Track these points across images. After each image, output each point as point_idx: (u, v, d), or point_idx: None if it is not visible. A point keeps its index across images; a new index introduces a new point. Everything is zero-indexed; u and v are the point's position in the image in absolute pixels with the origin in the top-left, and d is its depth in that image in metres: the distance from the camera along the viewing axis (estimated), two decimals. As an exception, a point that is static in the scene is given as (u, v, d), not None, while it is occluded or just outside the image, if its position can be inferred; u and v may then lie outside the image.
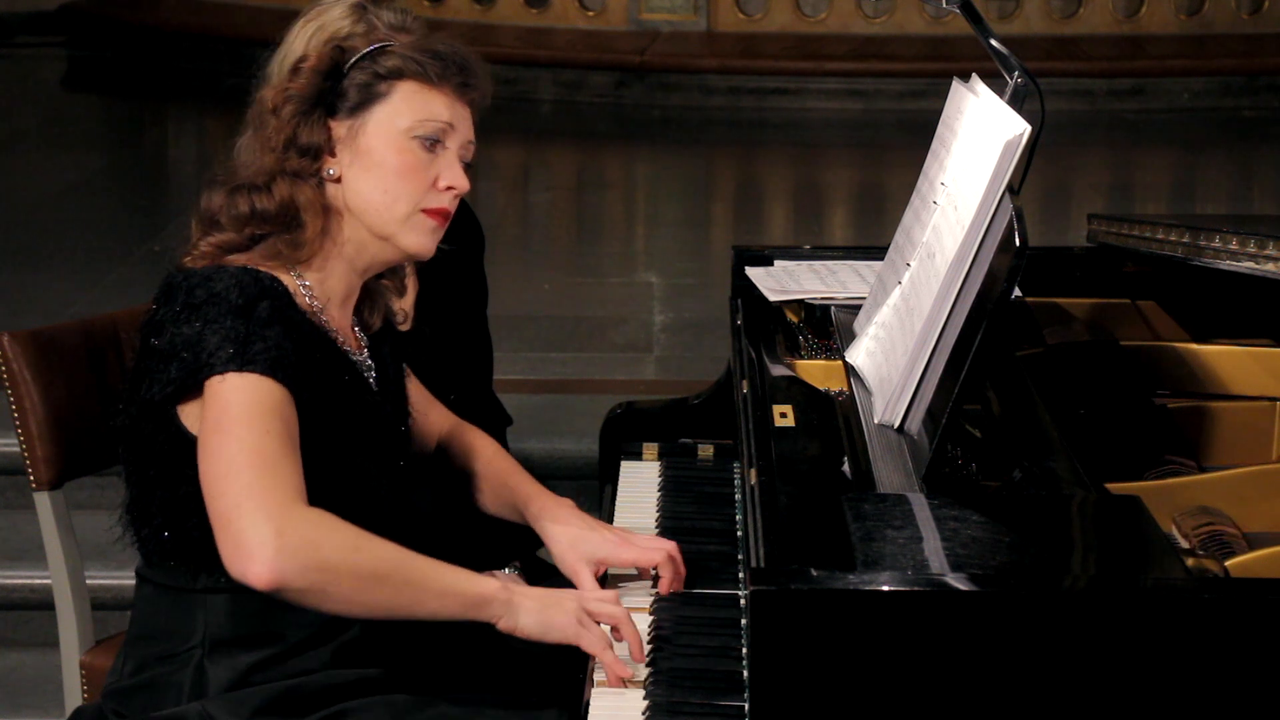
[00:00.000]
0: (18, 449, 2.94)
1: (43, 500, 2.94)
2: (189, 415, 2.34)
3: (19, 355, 2.91)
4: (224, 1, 10.53)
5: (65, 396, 2.93)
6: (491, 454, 2.77)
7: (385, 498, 2.50)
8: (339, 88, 2.45)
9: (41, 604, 3.90)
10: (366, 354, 2.53)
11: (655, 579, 2.56)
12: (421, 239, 2.47)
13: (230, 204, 2.44)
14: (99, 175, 8.18)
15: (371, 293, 2.57)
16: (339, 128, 2.45)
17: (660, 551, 2.54)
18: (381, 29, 2.56)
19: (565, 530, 2.59)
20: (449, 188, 2.47)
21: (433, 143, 2.46)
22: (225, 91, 6.06)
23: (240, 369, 2.28)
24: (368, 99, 2.45)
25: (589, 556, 2.55)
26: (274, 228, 2.42)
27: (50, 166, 8.24)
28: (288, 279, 2.41)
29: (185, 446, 2.33)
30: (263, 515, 2.21)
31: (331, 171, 2.45)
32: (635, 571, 2.60)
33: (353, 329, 2.52)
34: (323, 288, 2.46)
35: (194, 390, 2.32)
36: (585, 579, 2.54)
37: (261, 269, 2.39)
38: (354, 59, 2.46)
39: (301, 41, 3.15)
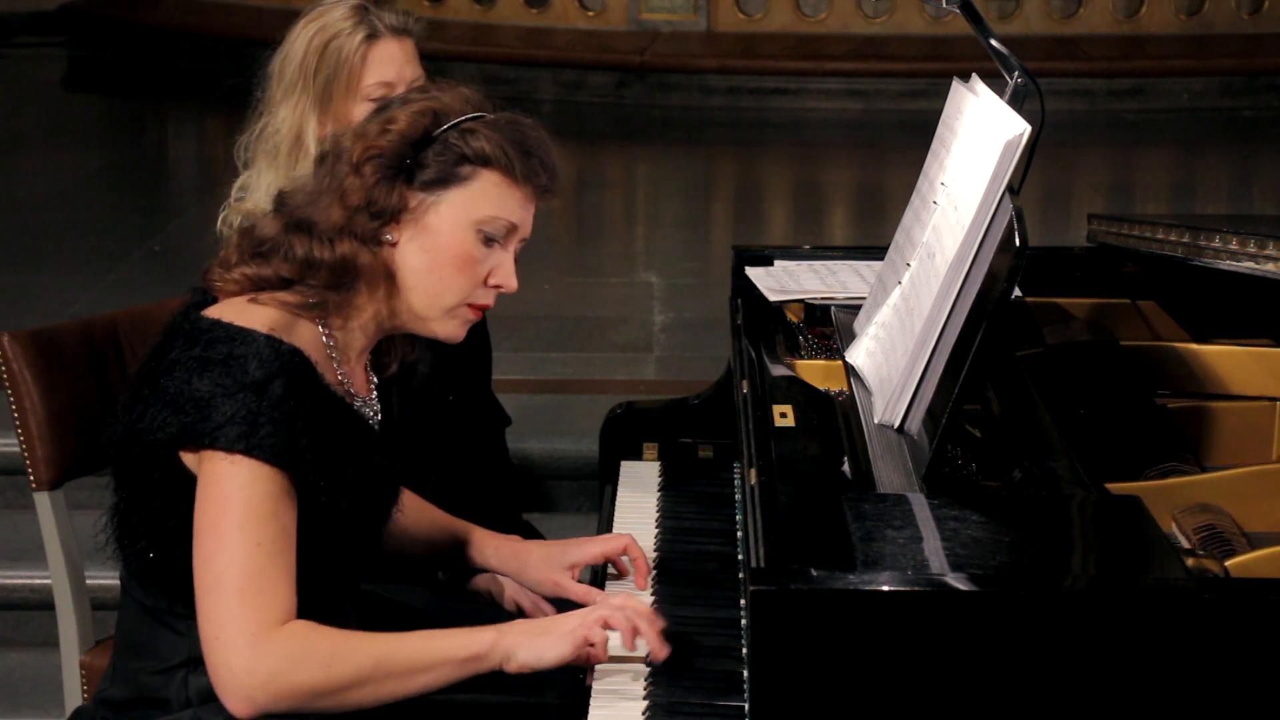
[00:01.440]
0: (18, 449, 2.95)
1: (43, 500, 2.95)
2: (190, 460, 2.31)
3: (19, 355, 2.91)
4: (224, 1, 10.53)
5: (65, 396, 2.93)
6: (433, 511, 2.78)
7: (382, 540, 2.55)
8: (421, 157, 2.37)
9: (41, 604, 3.90)
10: (375, 397, 2.50)
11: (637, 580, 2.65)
12: (457, 329, 2.44)
13: (285, 241, 2.37)
14: (99, 175, 8.17)
15: (389, 339, 2.52)
16: (412, 198, 2.38)
17: (624, 537, 2.68)
18: (460, 101, 2.42)
19: (532, 554, 2.71)
20: (497, 286, 2.43)
21: (494, 239, 2.41)
22: (225, 91, 6.06)
23: (246, 452, 2.24)
24: (448, 179, 2.37)
25: (564, 565, 2.67)
26: (323, 279, 2.36)
27: (50, 166, 8.23)
28: (311, 330, 2.37)
29: (183, 484, 2.30)
30: (234, 650, 2.23)
31: (390, 237, 2.38)
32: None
33: (365, 370, 2.50)
34: (345, 339, 2.42)
35: (192, 448, 2.29)
36: (571, 586, 2.65)
37: (286, 339, 2.31)
38: (443, 128, 2.38)
39: (302, 42, 3.15)
